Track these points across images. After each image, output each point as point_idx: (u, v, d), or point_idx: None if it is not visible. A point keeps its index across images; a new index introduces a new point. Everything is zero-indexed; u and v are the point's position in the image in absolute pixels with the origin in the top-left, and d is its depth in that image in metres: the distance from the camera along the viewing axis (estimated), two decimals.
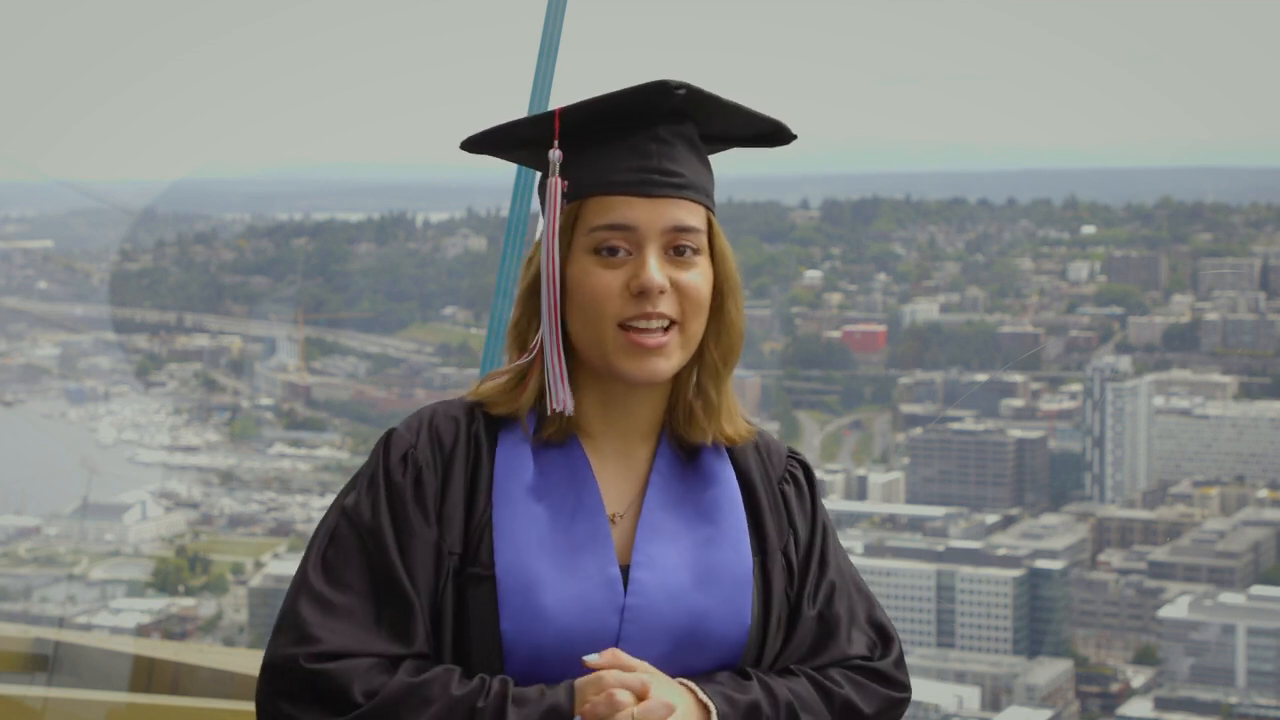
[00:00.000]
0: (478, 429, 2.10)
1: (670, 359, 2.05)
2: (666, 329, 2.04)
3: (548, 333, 2.05)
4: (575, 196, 2.07)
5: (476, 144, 2.17)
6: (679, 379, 2.12)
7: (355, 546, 2.03)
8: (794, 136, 2.19)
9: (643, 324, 2.03)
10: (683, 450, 2.14)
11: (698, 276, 2.06)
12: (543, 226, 2.10)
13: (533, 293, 2.09)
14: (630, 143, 2.08)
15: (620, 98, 2.06)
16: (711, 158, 2.19)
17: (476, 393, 2.13)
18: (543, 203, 2.12)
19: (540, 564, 2.01)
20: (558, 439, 2.10)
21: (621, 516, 2.09)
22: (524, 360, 2.09)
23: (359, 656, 1.96)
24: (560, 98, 2.83)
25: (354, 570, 2.01)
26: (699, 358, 2.11)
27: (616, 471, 2.12)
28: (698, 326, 2.07)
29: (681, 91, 2.06)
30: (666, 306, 2.03)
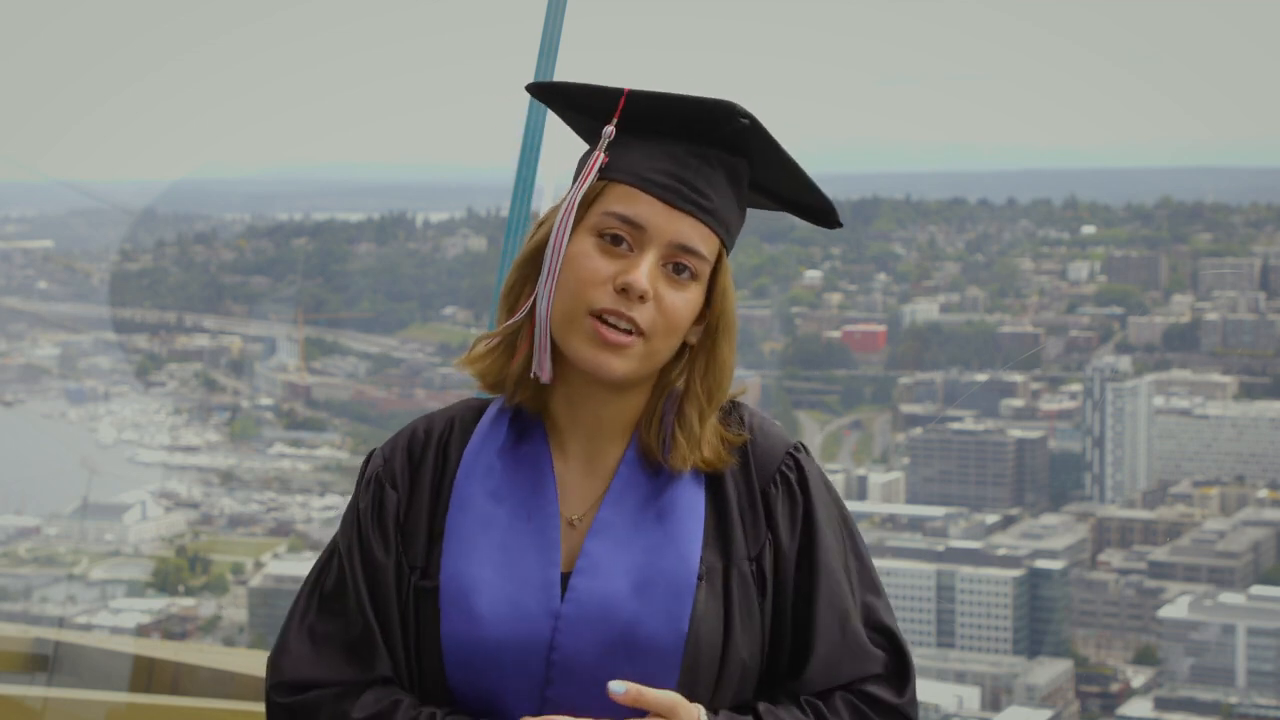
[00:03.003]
0: (449, 437, 2.11)
1: (627, 362, 2.02)
2: (632, 333, 2.02)
3: (545, 289, 2.04)
4: (605, 176, 2.06)
5: (543, 89, 2.16)
6: (658, 390, 2.11)
7: (331, 574, 2.09)
8: (840, 224, 2.17)
9: (612, 320, 2.01)
10: (653, 454, 2.11)
11: (683, 300, 2.04)
12: (567, 193, 2.09)
13: (534, 256, 2.08)
14: (677, 150, 2.06)
15: (686, 104, 2.04)
16: None
17: (469, 358, 2.12)
18: (578, 170, 2.12)
19: (482, 569, 2.01)
20: (530, 407, 2.10)
21: (581, 519, 2.07)
22: (515, 321, 2.08)
23: (325, 686, 2.02)
24: None
25: (329, 599, 2.07)
26: (685, 388, 2.10)
27: (582, 473, 2.10)
28: (664, 346, 2.05)
29: (745, 122, 2.04)
30: (641, 316, 2.01)
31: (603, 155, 2.05)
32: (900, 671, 2.11)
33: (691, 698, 2.01)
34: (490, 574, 2.00)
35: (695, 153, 2.06)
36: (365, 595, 2.03)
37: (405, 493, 2.08)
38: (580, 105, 2.11)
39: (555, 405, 2.10)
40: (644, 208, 2.03)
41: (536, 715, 1.98)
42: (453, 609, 1.99)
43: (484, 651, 1.98)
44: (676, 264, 2.04)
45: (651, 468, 2.10)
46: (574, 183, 2.11)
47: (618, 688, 1.94)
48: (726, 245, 2.09)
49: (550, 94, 2.15)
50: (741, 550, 2.08)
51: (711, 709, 2.02)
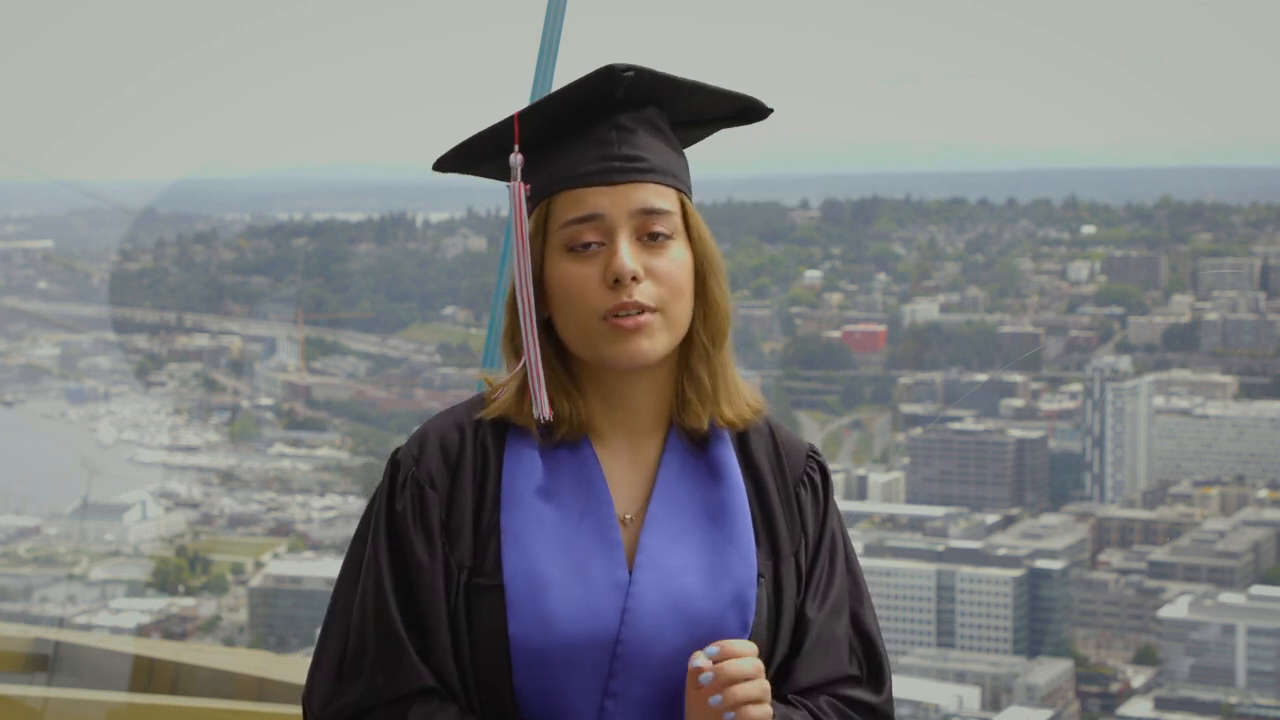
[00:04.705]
0: (484, 435, 2.09)
1: (653, 339, 2.03)
2: (643, 313, 2.02)
3: (526, 336, 2.04)
4: (543, 196, 2.06)
5: (446, 163, 2.15)
6: (679, 366, 2.11)
7: (347, 595, 2.06)
8: (770, 110, 2.16)
9: (622, 314, 2.01)
10: (692, 444, 2.11)
11: (673, 260, 2.05)
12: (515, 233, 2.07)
13: (516, 298, 2.08)
14: (592, 134, 2.06)
15: (572, 90, 2.05)
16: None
17: (494, 409, 2.10)
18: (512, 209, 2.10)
19: (549, 568, 2.00)
20: (570, 439, 2.08)
21: (632, 518, 2.07)
22: (520, 367, 2.08)
23: (361, 712, 2.00)
24: None
25: (353, 623, 2.04)
26: (688, 341, 2.09)
27: (627, 470, 2.10)
28: (680, 310, 2.05)
29: (630, 74, 2.04)
30: (644, 295, 2.01)
31: (522, 184, 2.05)
32: (876, 674, 2.14)
33: None
34: (557, 572, 1.99)
35: (607, 126, 2.06)
36: (394, 606, 2.00)
37: (445, 492, 2.05)
38: (486, 152, 2.12)
39: (592, 408, 2.10)
40: (591, 199, 2.03)
41: (599, 709, 1.99)
42: (521, 608, 1.98)
43: (553, 649, 1.98)
44: (650, 232, 2.04)
45: (695, 457, 2.11)
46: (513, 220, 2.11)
47: (703, 667, 1.94)
48: (684, 191, 2.10)
49: (456, 159, 2.15)
50: (786, 548, 2.12)
51: None
